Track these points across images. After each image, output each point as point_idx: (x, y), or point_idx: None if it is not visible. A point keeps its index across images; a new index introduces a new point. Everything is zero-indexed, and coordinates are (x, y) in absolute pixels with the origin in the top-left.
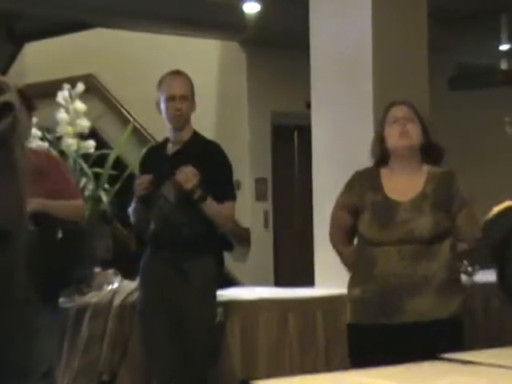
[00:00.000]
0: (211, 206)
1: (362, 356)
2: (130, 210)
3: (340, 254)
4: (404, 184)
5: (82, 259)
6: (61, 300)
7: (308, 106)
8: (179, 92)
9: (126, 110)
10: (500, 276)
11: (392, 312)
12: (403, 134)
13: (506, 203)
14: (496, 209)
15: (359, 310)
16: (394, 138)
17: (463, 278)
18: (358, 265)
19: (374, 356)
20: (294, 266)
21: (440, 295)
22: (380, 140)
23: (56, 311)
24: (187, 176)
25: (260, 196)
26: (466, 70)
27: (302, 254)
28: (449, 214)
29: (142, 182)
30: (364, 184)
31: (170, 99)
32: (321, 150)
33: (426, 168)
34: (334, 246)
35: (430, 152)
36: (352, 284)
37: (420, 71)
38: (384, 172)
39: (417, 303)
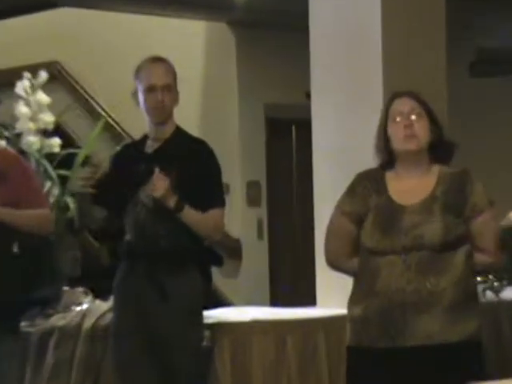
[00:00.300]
0: (190, 216)
1: (362, 383)
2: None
3: (343, 270)
4: (411, 186)
5: (44, 277)
6: (22, 324)
7: (307, 96)
8: (161, 81)
9: (96, 102)
10: None
11: (395, 334)
12: (409, 137)
13: None
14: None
15: (359, 331)
16: (398, 140)
17: (489, 294)
18: (359, 279)
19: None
20: (293, 283)
21: (451, 315)
22: (384, 138)
23: (16, 337)
24: (154, 184)
25: (252, 201)
26: (487, 54)
27: (302, 269)
28: (461, 219)
29: (159, 187)
30: (367, 186)
31: (150, 90)
32: (323, 148)
33: (436, 168)
34: (334, 261)
35: (439, 150)
36: (352, 301)
37: (437, 56)
38: (389, 173)
39: (424, 324)
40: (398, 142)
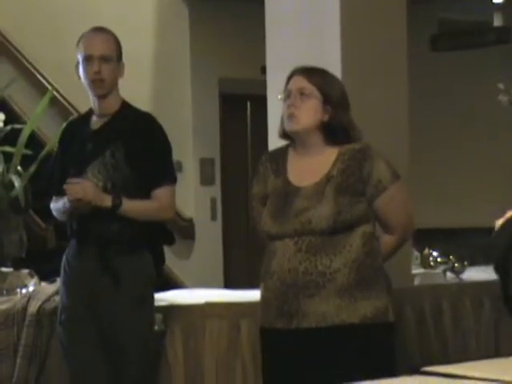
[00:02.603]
0: (131, 209)
1: (269, 365)
2: (52, 206)
3: None
4: (309, 167)
5: None
6: None
7: (263, 70)
8: (98, 51)
9: (41, 74)
10: (503, 291)
11: (290, 315)
12: (290, 117)
13: (509, 214)
14: (499, 221)
15: (262, 312)
16: (284, 120)
17: (449, 275)
18: (263, 260)
19: (280, 365)
20: (247, 265)
21: (346, 296)
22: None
23: None
24: (74, 193)
25: (206, 180)
26: (450, 26)
27: (257, 250)
28: (360, 198)
29: (73, 188)
30: (268, 167)
31: (88, 59)
32: (278, 125)
33: (336, 148)
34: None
35: (335, 131)
36: (259, 282)
37: (396, 27)
38: (292, 153)
39: (316, 305)
40: (284, 122)
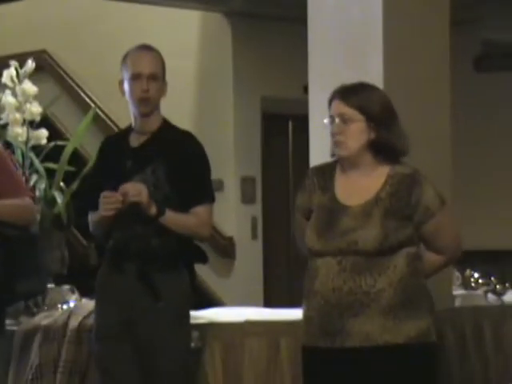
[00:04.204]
0: (171, 220)
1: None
2: (90, 218)
3: None
4: (358, 186)
5: (28, 270)
6: (7, 322)
7: (305, 90)
8: (146, 70)
9: (85, 93)
10: None
11: (334, 334)
12: (336, 144)
13: None
14: None
15: (305, 331)
16: (331, 145)
17: (490, 297)
18: (305, 278)
19: None
20: (288, 284)
21: (391, 316)
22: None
23: (1, 334)
24: (134, 191)
25: (247, 198)
26: (494, 48)
27: (297, 269)
28: (407, 223)
29: (110, 201)
30: (315, 181)
31: (135, 78)
32: (320, 144)
33: (386, 168)
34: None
35: (384, 149)
36: (303, 301)
37: (440, 49)
38: (340, 170)
39: (360, 324)
40: (331, 147)
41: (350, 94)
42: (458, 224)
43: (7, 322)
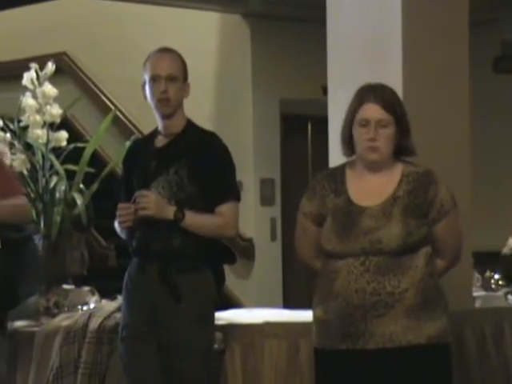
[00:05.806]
0: (193, 223)
1: None
2: (116, 224)
3: (313, 271)
4: (372, 186)
5: (28, 272)
6: (25, 324)
7: (324, 91)
8: (165, 71)
9: (105, 94)
10: None
11: (356, 336)
12: (372, 149)
13: None
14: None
15: (322, 333)
16: (361, 148)
17: (511, 298)
18: (320, 280)
19: None
20: (307, 285)
21: (413, 316)
22: (348, 134)
23: (2, 333)
24: (142, 204)
25: (266, 200)
26: None
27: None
28: (424, 221)
29: (123, 213)
30: (326, 186)
31: (155, 79)
32: (339, 145)
33: (399, 166)
34: (304, 262)
35: (399, 151)
36: (314, 303)
37: (459, 49)
38: (350, 172)
39: (384, 325)
40: (361, 150)
41: (388, 99)
42: (463, 226)
43: (27, 323)
